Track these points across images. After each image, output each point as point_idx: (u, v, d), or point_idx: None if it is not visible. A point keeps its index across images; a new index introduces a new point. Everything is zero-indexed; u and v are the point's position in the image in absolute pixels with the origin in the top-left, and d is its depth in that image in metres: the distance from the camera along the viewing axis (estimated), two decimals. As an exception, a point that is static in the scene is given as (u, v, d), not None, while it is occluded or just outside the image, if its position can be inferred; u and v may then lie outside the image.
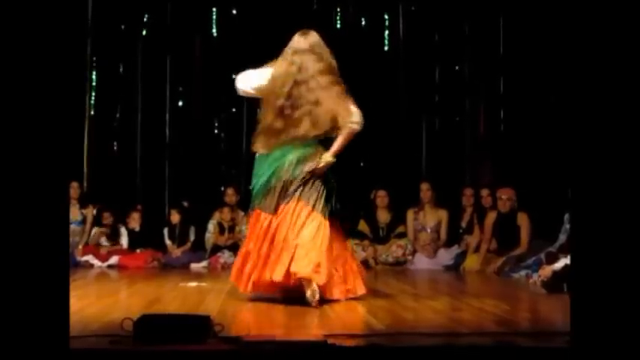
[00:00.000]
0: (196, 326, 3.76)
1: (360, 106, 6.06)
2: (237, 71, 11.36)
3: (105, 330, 4.07)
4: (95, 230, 10.51)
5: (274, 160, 5.87)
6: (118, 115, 11.55)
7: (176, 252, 10.35)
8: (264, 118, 5.97)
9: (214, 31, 11.65)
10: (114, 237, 10.49)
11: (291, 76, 5.87)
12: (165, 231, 10.59)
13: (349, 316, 5.00)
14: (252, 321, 4.92)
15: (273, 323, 4.78)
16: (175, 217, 10.58)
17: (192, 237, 10.51)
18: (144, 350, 3.60)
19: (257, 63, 11.41)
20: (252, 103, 11.55)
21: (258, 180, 5.90)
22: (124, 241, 10.50)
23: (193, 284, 7.42)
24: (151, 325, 3.76)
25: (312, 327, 4.62)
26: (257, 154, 5.97)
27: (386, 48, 11.76)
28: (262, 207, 5.87)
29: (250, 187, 6.02)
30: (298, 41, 5.99)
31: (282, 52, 6.01)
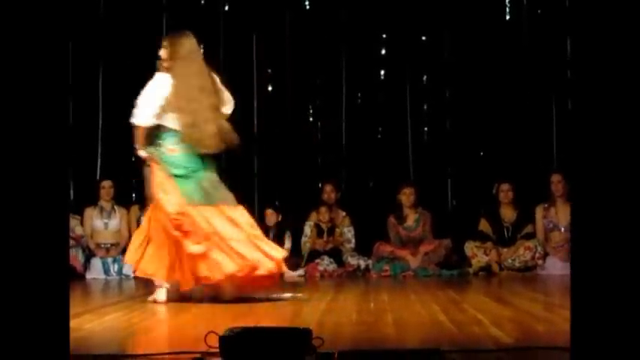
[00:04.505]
0: (293, 341, 3.71)
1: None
2: (335, 50, 11.45)
3: (186, 347, 4.06)
4: None
5: None
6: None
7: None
8: None
9: (307, 4, 11.64)
10: None
11: None
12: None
13: (471, 328, 4.91)
14: (356, 334, 4.87)
15: (383, 337, 4.72)
16: (272, 219, 10.55)
17: (288, 244, 10.45)
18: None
19: (353, 40, 11.47)
20: (352, 87, 11.59)
21: None
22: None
23: (287, 295, 7.39)
24: (241, 340, 3.72)
25: (428, 341, 4.56)
26: None
27: (507, 17, 11.58)
28: None
29: None
30: None
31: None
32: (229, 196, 6.85)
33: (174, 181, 6.73)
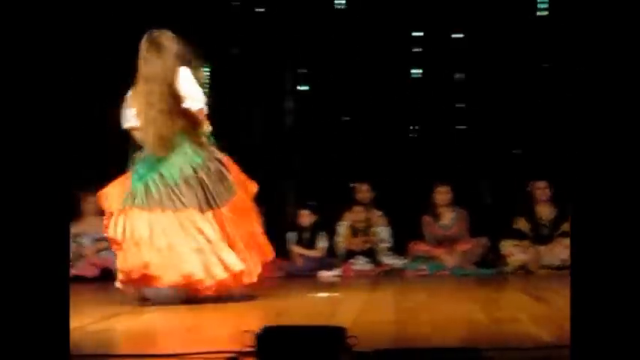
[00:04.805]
0: (328, 339, 3.69)
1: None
2: (370, 48, 11.40)
3: (221, 346, 4.05)
4: None
5: None
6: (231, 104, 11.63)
7: (299, 259, 10.32)
8: None
9: (342, 2, 11.60)
10: None
11: None
12: (292, 235, 10.57)
13: (509, 326, 4.86)
14: (393, 333, 4.83)
15: (419, 336, 4.68)
16: (306, 219, 10.53)
17: (323, 244, 10.43)
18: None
19: (388, 38, 11.40)
20: (386, 86, 11.53)
21: None
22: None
23: (323, 295, 7.39)
24: (276, 339, 3.70)
25: (466, 339, 4.52)
26: None
27: (543, 12, 11.49)
28: None
29: None
30: None
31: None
32: (187, 200, 6.70)
33: (129, 181, 6.84)
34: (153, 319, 5.81)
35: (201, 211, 6.68)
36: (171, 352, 4.03)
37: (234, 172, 7.00)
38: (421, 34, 11.58)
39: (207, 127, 6.96)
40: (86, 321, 5.39)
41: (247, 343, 3.74)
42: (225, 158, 7.04)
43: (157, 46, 6.86)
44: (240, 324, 5.30)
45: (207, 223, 6.67)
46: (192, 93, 6.88)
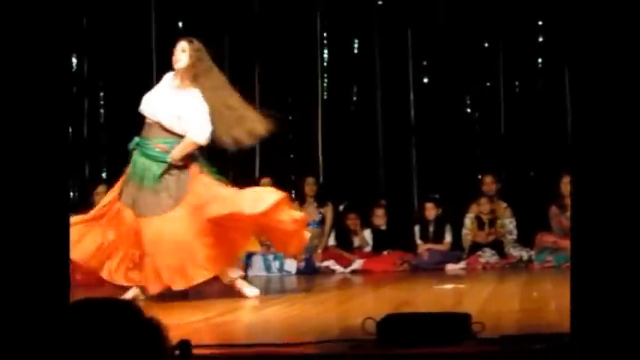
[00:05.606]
0: (452, 325, 3.62)
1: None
2: (491, 39, 11.25)
3: (345, 335, 4.02)
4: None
5: None
6: (354, 98, 11.60)
7: (425, 252, 10.21)
8: None
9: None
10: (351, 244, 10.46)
11: None
12: (417, 229, 10.50)
13: None
14: (519, 321, 4.74)
15: (546, 323, 4.57)
16: (431, 212, 10.44)
17: (448, 237, 10.34)
18: (389, 354, 3.52)
19: (509, 29, 11.22)
20: (509, 76, 11.35)
21: None
22: (368, 242, 10.48)
23: (449, 286, 7.30)
24: (398, 326, 3.65)
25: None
26: None
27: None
28: None
29: None
30: None
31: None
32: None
33: None
34: (275, 311, 5.82)
35: None
36: (294, 341, 4.02)
37: None
38: (542, 23, 11.37)
39: None
40: (210, 314, 5.43)
41: (369, 331, 3.70)
42: None
43: None
44: (362, 314, 5.26)
45: None
46: None
